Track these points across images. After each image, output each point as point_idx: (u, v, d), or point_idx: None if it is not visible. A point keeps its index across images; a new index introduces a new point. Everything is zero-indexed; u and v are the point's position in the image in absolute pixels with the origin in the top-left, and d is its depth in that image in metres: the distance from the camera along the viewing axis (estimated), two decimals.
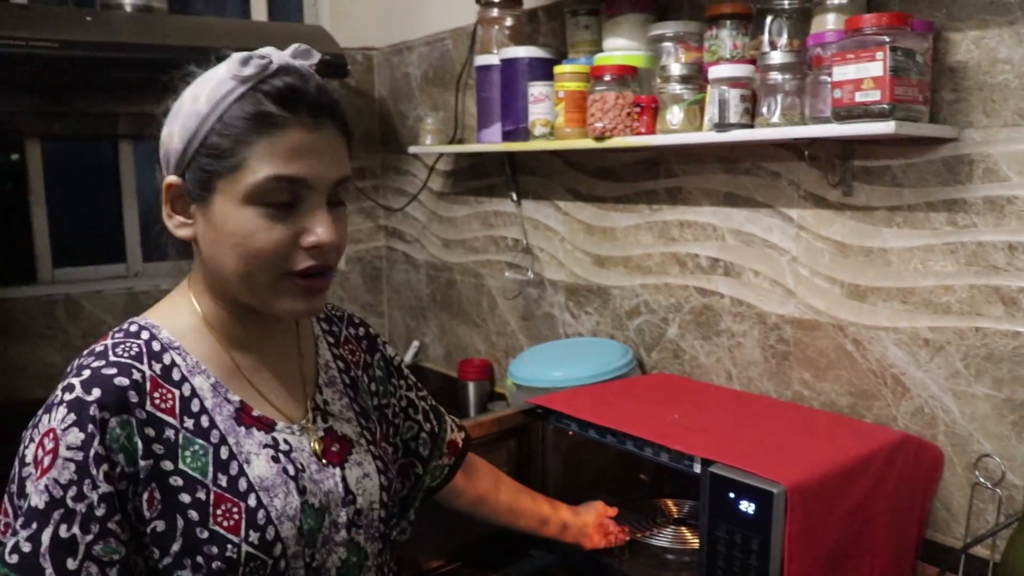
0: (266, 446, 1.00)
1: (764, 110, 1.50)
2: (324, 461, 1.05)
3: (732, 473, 1.29)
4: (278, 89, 0.94)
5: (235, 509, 0.95)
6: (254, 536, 0.95)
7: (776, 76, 1.47)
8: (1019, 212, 1.38)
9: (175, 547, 0.92)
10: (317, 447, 1.05)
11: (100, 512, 0.88)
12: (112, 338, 0.99)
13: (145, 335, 0.99)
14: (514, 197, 2.36)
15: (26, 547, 0.86)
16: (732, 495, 1.28)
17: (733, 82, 1.51)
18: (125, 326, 1.02)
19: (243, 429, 1.00)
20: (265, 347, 1.06)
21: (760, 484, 1.25)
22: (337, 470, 1.06)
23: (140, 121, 2.59)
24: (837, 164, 1.59)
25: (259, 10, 2.81)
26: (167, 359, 0.98)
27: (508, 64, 2.03)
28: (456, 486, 1.37)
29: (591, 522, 1.53)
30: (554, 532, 1.50)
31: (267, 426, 1.02)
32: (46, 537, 0.86)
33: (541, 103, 1.95)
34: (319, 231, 0.95)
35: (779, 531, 1.24)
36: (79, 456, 0.87)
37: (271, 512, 0.97)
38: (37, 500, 0.87)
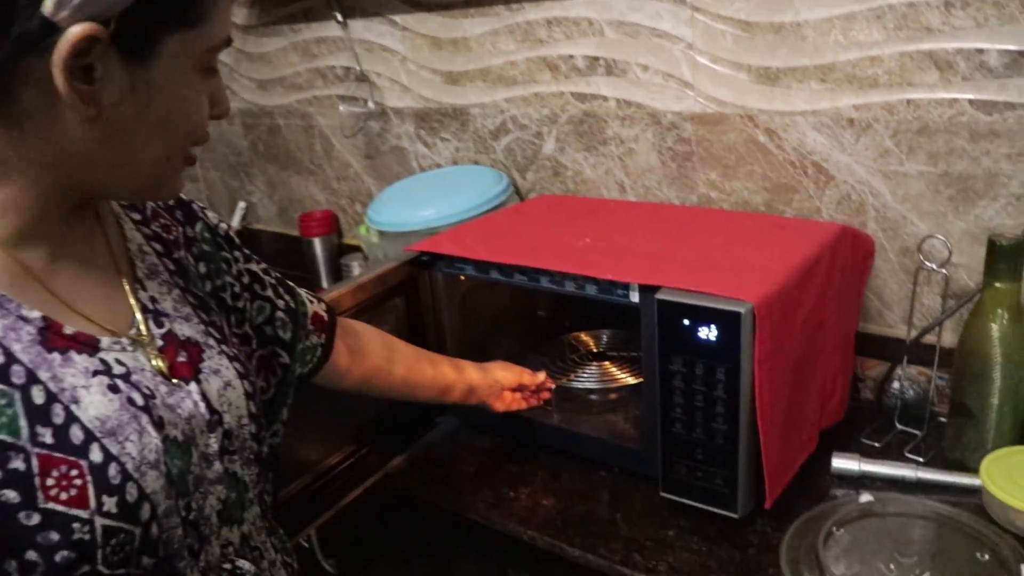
0: (96, 373, 0.70)
1: None
2: (174, 379, 0.76)
3: (684, 297, 1.09)
4: None
5: (74, 472, 0.65)
6: (110, 503, 0.66)
7: None
8: None
9: None
10: (160, 362, 0.75)
11: None
12: None
13: None
14: (339, 17, 2.00)
15: None
16: (687, 322, 1.09)
17: None
18: None
19: (56, 356, 0.68)
20: (65, 237, 0.73)
21: (722, 305, 1.06)
22: (193, 386, 0.77)
23: None
24: None
25: None
26: None
27: None
28: (337, 365, 1.10)
29: (503, 379, 1.31)
30: (460, 397, 1.27)
31: (89, 346, 0.71)
32: None
33: None
34: (225, 100, 0.76)
35: (748, 354, 1.06)
36: None
37: (126, 463, 0.67)
38: None
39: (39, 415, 0.64)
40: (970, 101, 1.25)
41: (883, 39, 1.29)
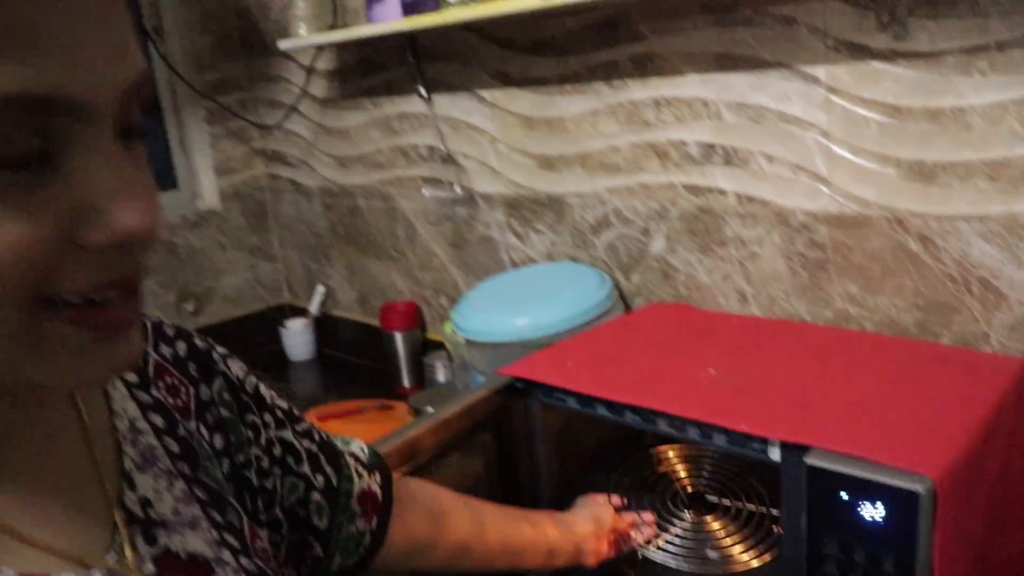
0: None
1: None
2: None
3: (842, 465, 0.87)
4: None
5: None
6: None
7: None
8: None
9: None
10: None
11: None
12: None
13: None
14: (423, 92, 1.85)
15: None
16: (845, 496, 0.87)
17: None
18: None
19: None
20: (11, 438, 0.52)
21: (894, 480, 0.84)
22: None
23: None
24: None
25: None
26: None
27: None
28: (416, 538, 0.90)
29: (589, 532, 1.09)
30: (540, 562, 1.03)
31: None
32: None
33: None
34: (116, 208, 0.43)
35: (925, 540, 0.84)
36: None
37: None
38: None
39: None
40: None
41: None
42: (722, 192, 1.42)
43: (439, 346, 1.96)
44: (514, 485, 1.22)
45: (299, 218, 2.41)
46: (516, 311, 1.48)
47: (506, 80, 1.70)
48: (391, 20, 1.62)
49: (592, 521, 1.10)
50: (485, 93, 1.75)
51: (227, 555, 0.61)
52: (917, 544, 0.84)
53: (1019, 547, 1.04)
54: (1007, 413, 0.98)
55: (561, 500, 1.20)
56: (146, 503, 0.58)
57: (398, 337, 1.99)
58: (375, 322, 2.10)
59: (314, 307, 2.36)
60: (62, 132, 0.41)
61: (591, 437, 1.34)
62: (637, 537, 1.15)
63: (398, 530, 0.86)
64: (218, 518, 0.63)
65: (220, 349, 0.72)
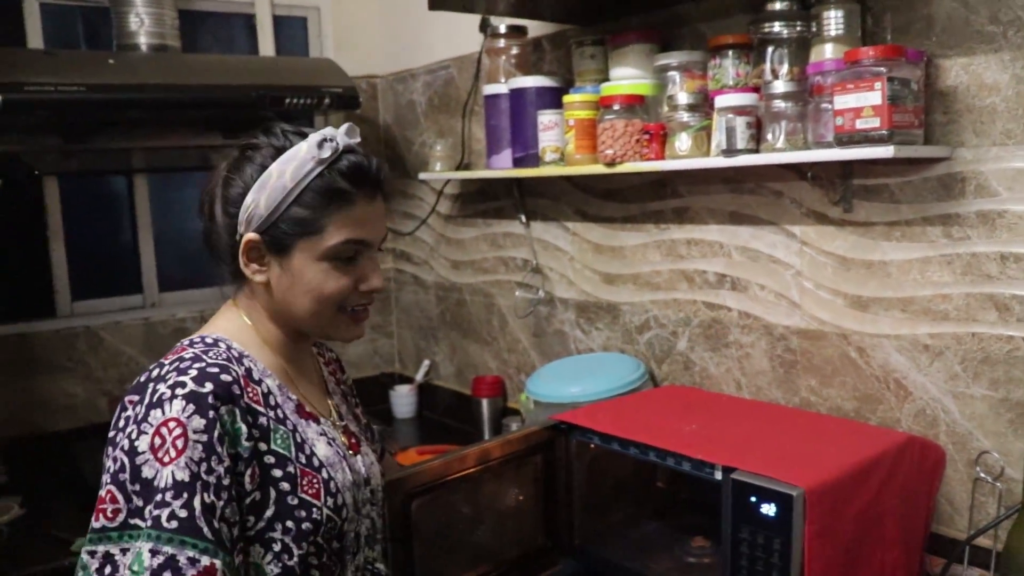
0: (321, 434, 1.22)
1: (769, 136, 1.60)
2: (350, 450, 1.27)
3: (752, 479, 1.38)
4: (347, 168, 1.17)
5: (315, 480, 1.17)
6: (330, 502, 1.17)
7: (780, 104, 1.57)
8: (1009, 224, 1.48)
9: (268, 513, 1.12)
10: (344, 438, 1.28)
11: (226, 482, 1.06)
12: (194, 347, 1.16)
13: (223, 345, 1.18)
14: (523, 219, 2.45)
15: (182, 513, 1.02)
16: (753, 499, 1.37)
17: (739, 110, 1.61)
18: (199, 338, 1.19)
19: (303, 421, 1.21)
20: (303, 362, 1.30)
21: (780, 488, 1.34)
22: (359, 458, 1.29)
23: (154, 155, 2.68)
24: (838, 183, 1.69)
25: (266, 44, 2.90)
26: (246, 363, 1.18)
27: (517, 93, 2.13)
28: None
29: None
30: None
31: (316, 420, 1.24)
32: (197, 503, 1.02)
33: (551, 130, 2.04)
34: (374, 280, 1.21)
35: (799, 531, 1.32)
36: (204, 438, 1.05)
37: (338, 483, 1.20)
38: (181, 475, 1.03)
39: (299, 447, 1.18)
40: None
41: (952, 280, 1.56)
42: (729, 309, 1.95)
43: (515, 412, 2.50)
44: (554, 496, 1.74)
45: (416, 305, 3.02)
46: (573, 382, 2.02)
47: (584, 216, 2.28)
48: (505, 168, 2.23)
49: None
50: (569, 224, 2.33)
51: (364, 438, 1.35)
52: (792, 532, 1.33)
53: (890, 559, 1.50)
54: (883, 463, 1.46)
55: (588, 509, 1.71)
56: (337, 407, 1.33)
57: (484, 402, 2.54)
58: (466, 391, 2.66)
59: (419, 376, 2.94)
60: (362, 251, 1.21)
61: (614, 472, 1.85)
62: None
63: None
64: (358, 424, 1.37)
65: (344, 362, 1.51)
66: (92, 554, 1.04)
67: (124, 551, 1.03)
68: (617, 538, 1.79)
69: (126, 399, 1.10)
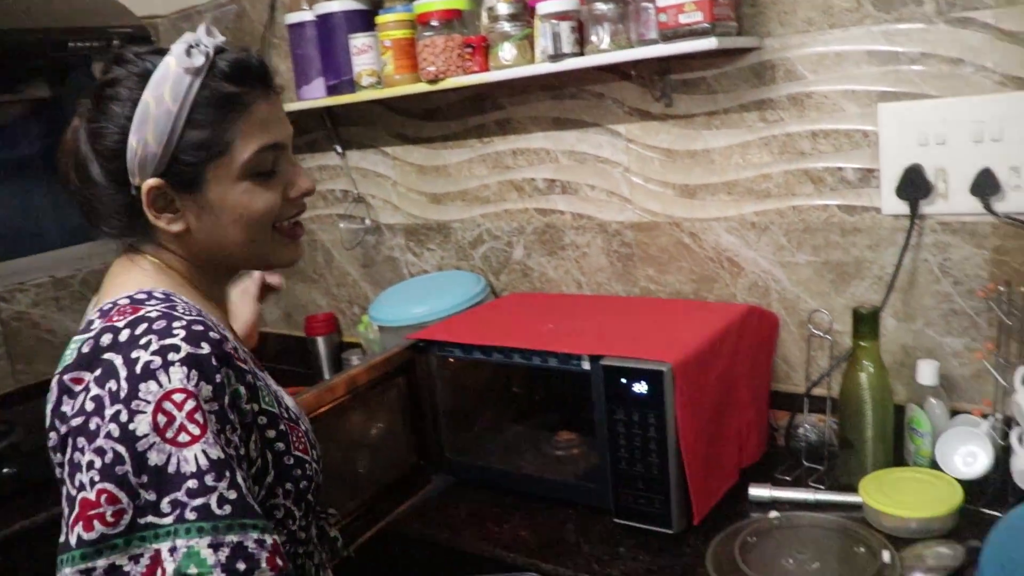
0: (276, 384, 1.13)
1: (593, 38, 1.64)
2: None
3: (622, 362, 1.45)
4: (230, 69, 1.01)
5: (299, 434, 1.09)
6: (313, 454, 1.11)
7: (601, 7, 1.61)
8: (816, 104, 1.61)
9: (269, 479, 1.02)
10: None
11: (243, 452, 0.96)
12: (149, 304, 0.98)
13: (177, 299, 1.01)
14: (339, 149, 2.40)
15: (231, 494, 0.89)
16: (624, 381, 1.44)
17: (561, 15, 1.64)
18: (142, 294, 1.00)
19: (260, 372, 1.09)
20: (225, 302, 1.22)
21: (649, 366, 1.41)
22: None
23: None
24: (657, 80, 1.76)
25: None
26: (205, 318, 1.00)
27: (324, 19, 2.06)
28: None
29: (235, 299, 1.55)
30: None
31: (261, 368, 1.12)
32: (240, 480, 0.90)
33: (365, 54, 2.00)
34: (301, 183, 1.10)
35: (671, 404, 1.41)
36: (216, 407, 0.92)
37: (311, 434, 1.14)
38: (215, 452, 0.89)
39: (277, 401, 1.08)
40: (838, 206, 1.63)
41: (771, 161, 1.68)
42: (561, 212, 2.00)
43: (354, 346, 2.48)
44: (421, 415, 1.75)
45: None
46: (416, 303, 2.03)
47: (404, 139, 2.26)
48: (318, 98, 2.16)
49: (237, 292, 1.56)
50: (388, 149, 2.30)
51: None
52: (665, 405, 1.41)
53: (746, 419, 1.62)
54: (731, 334, 1.57)
55: (453, 422, 1.74)
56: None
57: (319, 341, 2.50)
58: (298, 332, 2.60)
59: None
60: (279, 156, 1.07)
61: (475, 384, 1.88)
62: (272, 280, 1.59)
63: None
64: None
65: None
66: (87, 573, 0.85)
67: (136, 558, 0.85)
68: (485, 446, 1.83)
69: (68, 378, 0.93)
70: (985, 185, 1.48)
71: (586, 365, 1.51)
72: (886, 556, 1.34)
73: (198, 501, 0.86)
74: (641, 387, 1.42)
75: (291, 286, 2.71)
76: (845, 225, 1.63)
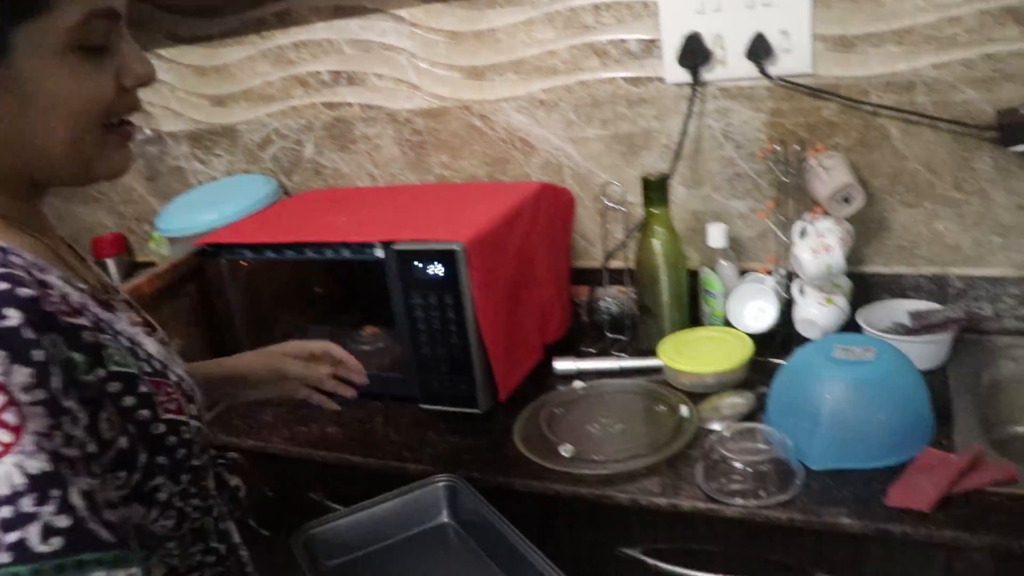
0: (132, 324, 0.84)
1: None
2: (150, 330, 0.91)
3: (414, 245, 1.41)
4: None
5: (169, 389, 0.81)
6: (192, 408, 0.84)
7: None
8: None
9: (142, 459, 0.76)
10: (138, 318, 0.90)
11: (91, 448, 0.70)
12: None
13: None
14: None
15: (62, 521, 0.64)
16: (419, 264, 1.41)
17: None
18: None
19: (108, 314, 0.81)
20: (50, 229, 0.84)
21: (441, 247, 1.39)
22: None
23: None
24: None
25: None
26: (12, 258, 0.71)
27: None
28: None
29: (289, 354, 1.27)
30: (240, 388, 1.24)
31: (111, 306, 0.83)
32: (75, 498, 0.65)
33: None
34: (138, 66, 0.79)
35: (466, 284, 1.39)
36: (41, 395, 0.65)
37: (187, 382, 0.86)
38: (37, 464, 0.63)
39: (132, 352, 0.79)
40: (623, 78, 1.63)
41: (556, 36, 1.66)
42: (350, 104, 1.93)
43: (148, 265, 2.33)
44: (216, 323, 1.67)
45: None
46: (205, 211, 1.92)
47: (178, 39, 2.10)
48: None
49: (297, 347, 1.28)
50: (162, 51, 2.14)
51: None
52: (460, 285, 1.39)
53: (545, 295, 1.63)
54: (525, 212, 1.56)
55: (252, 330, 1.67)
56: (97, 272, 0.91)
57: (110, 263, 2.34)
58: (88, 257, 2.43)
59: None
60: (112, 30, 0.76)
61: (271, 287, 1.80)
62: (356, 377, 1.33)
63: None
64: None
65: None
66: None
67: None
68: None
69: None
70: (759, 49, 1.51)
71: (380, 253, 1.47)
72: (684, 411, 1.38)
73: (12, 537, 0.62)
74: (436, 269, 1.40)
75: (71, 208, 2.52)
76: (631, 97, 1.64)
